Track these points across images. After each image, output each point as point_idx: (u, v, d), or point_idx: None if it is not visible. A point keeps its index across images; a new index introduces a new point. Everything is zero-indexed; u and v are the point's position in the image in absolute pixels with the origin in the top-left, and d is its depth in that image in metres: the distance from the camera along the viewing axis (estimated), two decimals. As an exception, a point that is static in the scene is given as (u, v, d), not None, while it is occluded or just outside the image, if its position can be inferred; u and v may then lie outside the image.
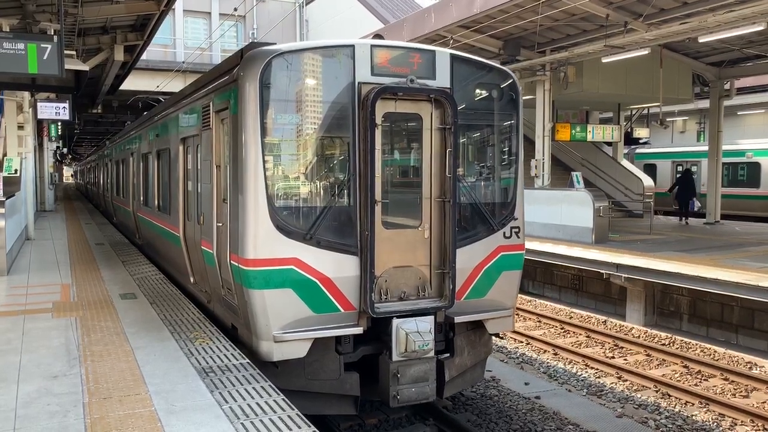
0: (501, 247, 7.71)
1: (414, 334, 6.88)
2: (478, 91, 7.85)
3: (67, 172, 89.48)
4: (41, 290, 10.01)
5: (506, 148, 8.05)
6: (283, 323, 6.68)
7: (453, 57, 7.42)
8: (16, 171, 15.44)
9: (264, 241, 6.58)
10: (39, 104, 17.92)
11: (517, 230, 7.84)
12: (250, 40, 23.77)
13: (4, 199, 11.93)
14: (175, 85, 26.34)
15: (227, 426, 4.85)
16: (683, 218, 22.94)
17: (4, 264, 11.48)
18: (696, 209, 23.79)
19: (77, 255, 14.04)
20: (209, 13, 37.82)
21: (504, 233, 7.74)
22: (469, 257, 7.43)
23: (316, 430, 4.84)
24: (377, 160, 6.89)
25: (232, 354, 6.69)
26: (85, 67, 13.04)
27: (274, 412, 5.15)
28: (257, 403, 5.32)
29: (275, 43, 7.09)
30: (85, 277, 11.21)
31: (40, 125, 24.51)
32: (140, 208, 14.50)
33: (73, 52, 13.67)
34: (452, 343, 7.56)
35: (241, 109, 6.66)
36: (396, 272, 7.10)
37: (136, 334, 7.35)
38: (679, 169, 29.12)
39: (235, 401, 5.37)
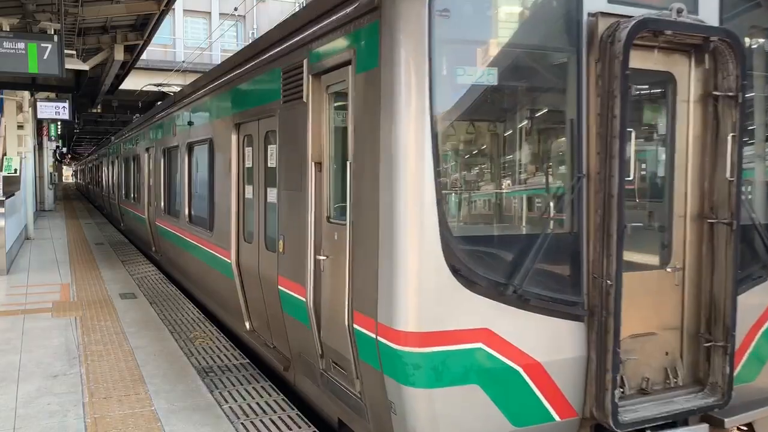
0: None
1: None
2: (751, 38, 4.86)
3: (67, 171, 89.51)
4: (41, 290, 10.01)
5: None
6: None
7: None
8: (15, 170, 15.47)
9: (434, 300, 3.81)
10: (39, 104, 17.93)
11: None
12: (251, 41, 23.76)
13: (4, 198, 11.95)
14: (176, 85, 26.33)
15: (227, 426, 4.85)
16: None
17: (4, 263, 11.49)
18: None
19: (77, 255, 14.04)
20: (209, 13, 37.89)
21: None
22: (739, 315, 4.37)
23: (316, 430, 4.84)
24: (631, 150, 4.17)
25: (232, 354, 6.69)
26: (85, 67, 13.08)
27: (274, 412, 5.15)
28: (257, 403, 5.32)
29: None
30: (84, 276, 11.21)
31: (39, 125, 24.53)
32: (160, 216, 11.84)
33: (73, 52, 13.68)
34: None
35: (389, 61, 3.85)
36: (633, 344, 4.23)
37: (136, 334, 7.35)
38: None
39: (235, 401, 5.37)
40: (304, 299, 5.10)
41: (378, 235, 3.98)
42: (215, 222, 7.78)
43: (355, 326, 4.31)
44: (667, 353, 4.37)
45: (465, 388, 3.89)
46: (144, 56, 20.03)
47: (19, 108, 17.16)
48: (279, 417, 5.05)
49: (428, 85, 3.78)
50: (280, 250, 5.65)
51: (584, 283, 4.10)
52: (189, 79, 23.57)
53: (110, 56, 16.85)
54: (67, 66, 10.56)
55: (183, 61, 29.50)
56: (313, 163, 5.01)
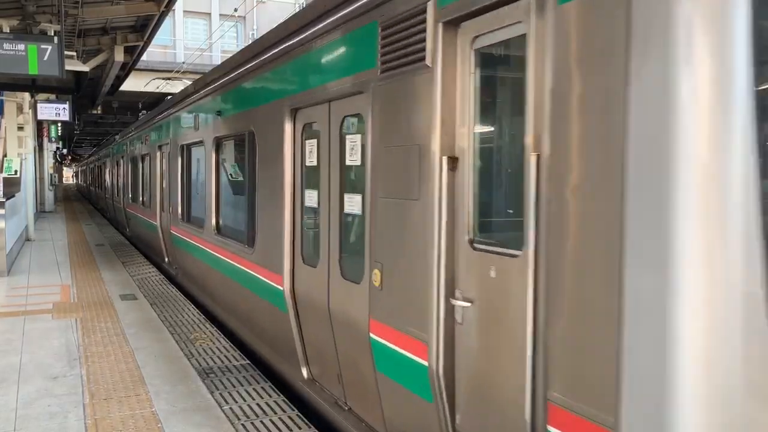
0: None
1: None
2: None
3: (67, 173, 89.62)
4: (41, 291, 10.01)
5: None
6: None
7: None
8: (16, 172, 15.47)
9: (761, 410, 2.12)
10: (39, 105, 17.95)
11: None
12: (251, 41, 23.80)
13: (4, 200, 11.95)
14: (175, 86, 26.37)
15: (228, 427, 4.85)
16: None
17: (5, 265, 11.48)
18: None
19: (77, 256, 14.04)
20: (209, 14, 37.91)
21: None
22: None
23: (316, 431, 4.84)
24: None
25: (232, 355, 6.68)
26: (85, 68, 13.09)
27: (275, 413, 5.15)
28: (258, 404, 5.32)
29: None
30: (85, 277, 11.21)
31: (40, 126, 24.55)
32: (177, 224, 10.42)
33: (74, 53, 13.70)
34: None
35: None
36: None
37: (136, 335, 7.35)
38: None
39: (236, 402, 5.37)
40: (423, 362, 3.50)
41: (620, 278, 2.31)
42: (258, 236, 6.19)
43: (550, 430, 2.68)
44: None
45: None
46: (144, 57, 20.03)
47: (20, 109, 17.18)
48: (279, 418, 5.04)
49: (747, 9, 2.07)
50: (376, 283, 4.02)
51: None
52: (189, 79, 23.57)
53: (110, 57, 16.86)
54: (67, 67, 10.58)
55: (183, 62, 29.52)
56: (444, 159, 3.34)
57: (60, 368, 6.20)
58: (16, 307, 8.93)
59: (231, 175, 7.75)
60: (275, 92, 5.84)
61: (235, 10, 26.59)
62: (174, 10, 27.44)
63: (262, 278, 6.07)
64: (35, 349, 6.86)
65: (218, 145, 8.02)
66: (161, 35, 24.82)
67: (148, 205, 13.57)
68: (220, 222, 7.97)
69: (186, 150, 10.02)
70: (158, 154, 12.33)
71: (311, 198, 5.17)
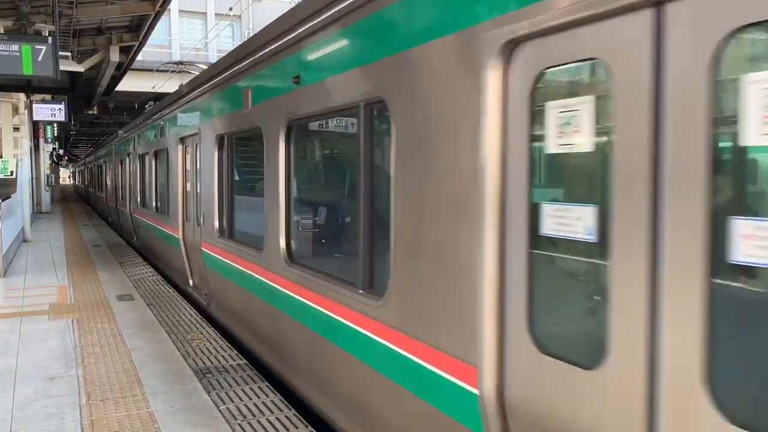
0: None
1: None
2: None
3: (64, 173, 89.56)
4: (38, 292, 9.99)
5: None
6: None
7: None
8: (12, 173, 15.46)
9: None
10: (35, 106, 17.94)
11: None
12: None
13: (1, 201, 11.93)
14: (172, 85, 26.32)
15: (225, 427, 4.85)
16: None
17: (1, 266, 11.47)
18: None
19: (74, 257, 14.03)
20: (205, 14, 37.87)
21: None
22: None
23: (313, 430, 4.84)
24: None
25: (229, 355, 6.68)
26: (80, 69, 13.06)
27: (272, 412, 5.15)
28: (255, 404, 5.32)
29: None
30: (82, 278, 11.20)
31: (36, 127, 24.51)
32: (211, 240, 7.97)
33: (68, 54, 13.67)
34: None
35: None
36: None
37: (133, 336, 7.35)
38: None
39: (233, 402, 5.37)
40: None
41: None
42: (395, 278, 3.71)
43: None
44: None
45: None
46: (140, 57, 20.02)
47: (15, 110, 17.16)
48: (276, 417, 5.04)
49: None
50: None
51: None
52: (186, 79, 23.50)
53: (106, 57, 16.85)
54: (62, 68, 10.55)
55: (178, 62, 29.46)
56: None
57: (57, 369, 6.19)
58: (13, 308, 8.92)
59: (318, 175, 5.72)
60: (450, 19, 3.16)
61: (230, 9, 26.56)
62: (169, 9, 27.39)
63: (418, 360, 3.47)
64: (32, 350, 6.85)
65: (289, 130, 5.49)
66: (157, 35, 24.79)
67: (164, 213, 11.14)
68: (294, 245, 5.52)
69: (228, 141, 7.47)
70: (180, 148, 9.92)
71: (568, 218, 2.58)
